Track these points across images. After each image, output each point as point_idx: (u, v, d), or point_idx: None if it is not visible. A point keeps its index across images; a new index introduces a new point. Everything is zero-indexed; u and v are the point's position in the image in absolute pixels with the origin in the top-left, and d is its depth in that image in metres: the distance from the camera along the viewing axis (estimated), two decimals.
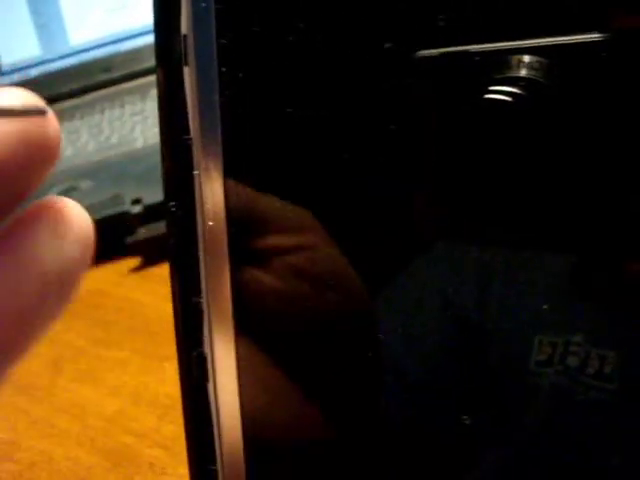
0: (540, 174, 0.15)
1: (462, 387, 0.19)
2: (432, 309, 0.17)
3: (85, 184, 0.57)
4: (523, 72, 0.14)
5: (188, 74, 0.13)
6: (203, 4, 0.13)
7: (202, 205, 0.14)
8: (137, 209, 0.52)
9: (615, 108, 0.14)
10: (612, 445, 0.19)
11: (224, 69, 0.13)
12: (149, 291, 0.50)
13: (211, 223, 0.14)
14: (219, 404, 0.15)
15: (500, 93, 0.14)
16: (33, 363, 0.47)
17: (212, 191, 0.13)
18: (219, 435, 0.15)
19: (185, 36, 0.13)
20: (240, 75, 0.13)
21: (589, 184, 0.15)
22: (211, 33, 0.13)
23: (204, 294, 0.14)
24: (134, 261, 0.53)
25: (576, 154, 0.15)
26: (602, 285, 0.18)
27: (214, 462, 0.16)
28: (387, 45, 0.13)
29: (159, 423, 0.40)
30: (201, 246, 0.14)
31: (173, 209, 0.15)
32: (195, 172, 0.14)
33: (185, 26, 0.13)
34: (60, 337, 0.49)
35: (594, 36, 0.14)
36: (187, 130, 0.14)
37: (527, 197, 0.16)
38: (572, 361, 0.18)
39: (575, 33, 0.14)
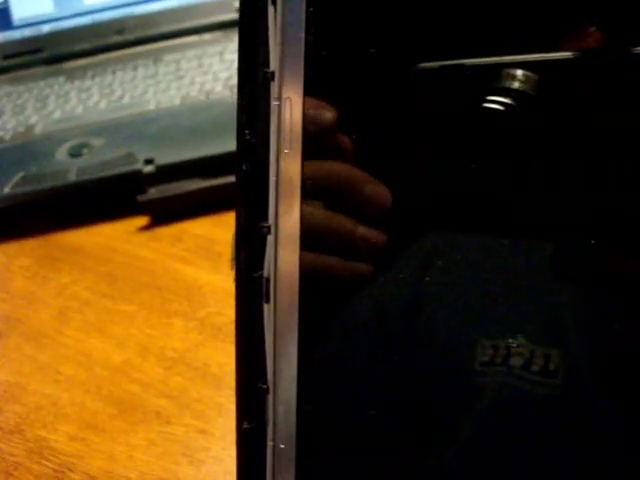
0: (525, 174, 0.17)
1: (408, 389, 0.20)
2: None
3: (97, 141, 0.58)
4: (515, 85, 0.16)
5: (273, 13, 0.14)
6: None
7: (279, 134, 0.15)
8: (149, 169, 0.53)
9: (592, 116, 0.15)
10: (557, 438, 0.20)
11: (311, 9, 0.14)
12: (157, 250, 0.51)
13: (286, 151, 0.15)
14: (277, 324, 0.16)
15: (494, 102, 0.16)
16: (41, 313, 0.48)
17: (291, 120, 0.14)
18: (274, 354, 0.16)
19: None
20: (326, 19, 0.14)
21: (565, 184, 0.17)
22: None
23: (272, 220, 0.15)
24: (142, 220, 0.54)
25: (557, 155, 0.16)
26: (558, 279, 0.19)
27: (264, 381, 0.17)
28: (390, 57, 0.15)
29: (165, 374, 0.41)
30: (273, 172, 0.15)
31: (247, 137, 0.15)
32: (275, 103, 0.14)
33: None
34: (67, 289, 0.50)
35: (573, 54, 0.15)
36: (267, 64, 0.15)
37: (508, 195, 0.17)
38: (516, 361, 0.19)
39: (558, 51, 0.15)
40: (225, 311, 0.45)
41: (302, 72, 0.14)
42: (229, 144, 0.53)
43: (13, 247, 0.55)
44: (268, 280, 0.16)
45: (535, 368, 0.19)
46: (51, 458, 0.38)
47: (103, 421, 0.40)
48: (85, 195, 0.55)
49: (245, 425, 0.18)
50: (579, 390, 0.19)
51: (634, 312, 0.19)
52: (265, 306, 0.16)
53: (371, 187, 0.16)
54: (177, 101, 0.60)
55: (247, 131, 0.16)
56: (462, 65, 0.16)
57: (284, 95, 0.14)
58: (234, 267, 0.44)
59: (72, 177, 0.54)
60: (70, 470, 0.37)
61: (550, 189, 0.17)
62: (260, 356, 0.17)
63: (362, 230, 0.17)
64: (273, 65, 0.15)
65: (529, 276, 0.19)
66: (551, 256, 0.18)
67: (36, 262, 0.53)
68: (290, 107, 0.14)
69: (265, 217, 0.16)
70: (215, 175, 0.53)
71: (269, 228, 0.15)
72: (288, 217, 0.15)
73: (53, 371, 0.44)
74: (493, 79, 0.16)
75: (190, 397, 0.40)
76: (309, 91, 0.14)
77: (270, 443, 0.17)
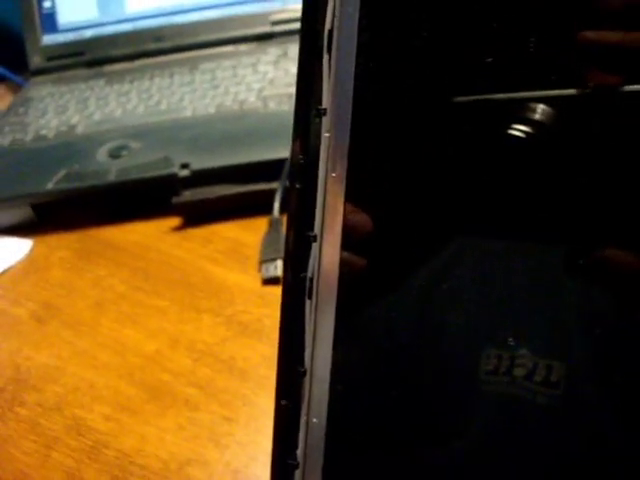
0: (542, 192, 0.20)
1: (416, 393, 0.22)
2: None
3: (135, 144, 0.61)
4: (537, 116, 0.19)
5: (328, 60, 0.18)
6: (350, 9, 0.17)
7: (328, 160, 0.18)
8: (185, 173, 0.56)
9: (599, 147, 0.19)
10: (558, 447, 0.21)
11: (360, 60, 0.17)
12: (189, 249, 0.54)
13: (334, 175, 0.18)
14: (317, 317, 0.19)
15: (519, 131, 0.19)
16: (78, 303, 0.52)
17: (338, 147, 0.18)
18: (312, 342, 0.19)
19: (330, 31, 0.17)
20: (372, 67, 0.17)
21: (574, 202, 0.20)
22: (353, 32, 0.17)
23: (318, 229, 0.18)
24: (176, 221, 0.57)
25: (568, 176, 0.19)
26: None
27: (302, 364, 0.20)
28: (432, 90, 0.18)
29: (194, 365, 0.45)
30: (321, 191, 0.18)
31: (301, 161, 0.19)
32: (325, 134, 0.18)
33: (330, 23, 0.17)
34: (104, 282, 0.53)
35: (583, 91, 0.19)
36: (320, 101, 0.18)
37: (523, 211, 0.20)
38: (519, 371, 0.21)
39: (572, 88, 0.19)
40: (251, 310, 0.48)
41: (350, 111, 0.17)
42: (260, 153, 0.56)
43: (53, 240, 0.59)
44: (312, 279, 0.19)
45: (538, 379, 0.21)
46: (87, 435, 0.42)
47: (135, 404, 0.43)
48: (123, 195, 0.58)
49: (283, 402, 0.21)
50: (580, 402, 0.21)
51: (637, 327, 0.20)
52: (307, 302, 0.20)
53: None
54: (212, 109, 0.64)
55: (300, 156, 0.19)
56: (491, 99, 0.19)
57: (333, 128, 0.18)
58: (262, 269, 0.47)
59: (112, 177, 0.57)
60: (105, 447, 0.41)
61: (561, 206, 0.20)
62: (300, 344, 0.20)
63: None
64: (325, 103, 0.18)
65: (535, 289, 0.21)
66: (558, 269, 0.21)
67: (74, 255, 0.57)
68: (337, 137, 0.18)
69: (312, 227, 0.19)
70: (246, 182, 0.56)
71: (315, 237, 0.19)
72: (331, 229, 0.19)
73: (90, 357, 0.47)
74: (517, 111, 0.19)
75: (217, 387, 0.43)
76: (354, 127, 0.18)
77: (304, 418, 0.21)
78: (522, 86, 0.19)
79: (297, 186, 0.19)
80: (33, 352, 0.48)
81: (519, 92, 0.19)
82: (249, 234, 0.54)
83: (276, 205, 0.53)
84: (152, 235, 0.56)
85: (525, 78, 0.19)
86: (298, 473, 0.22)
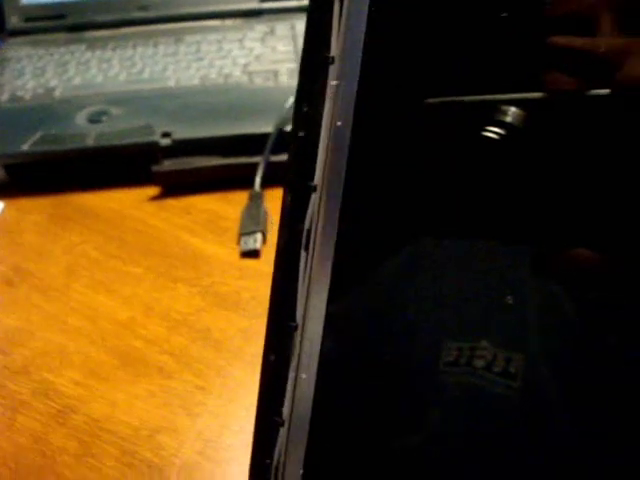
0: (512, 189, 0.20)
1: (381, 379, 0.22)
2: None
3: (116, 110, 0.60)
4: (508, 119, 0.19)
5: (339, 7, 0.17)
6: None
7: (334, 109, 0.17)
8: (166, 141, 0.55)
9: (567, 149, 0.20)
10: (516, 434, 0.22)
11: (373, 9, 0.17)
12: (166, 219, 0.53)
13: (339, 123, 0.18)
14: (312, 271, 0.19)
15: (490, 132, 0.19)
16: (50, 267, 0.50)
17: (344, 99, 0.17)
18: (306, 296, 0.19)
19: None
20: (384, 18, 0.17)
21: (543, 199, 0.20)
22: None
23: (318, 180, 0.18)
24: (154, 190, 0.56)
25: (539, 175, 0.20)
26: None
27: (293, 319, 0.20)
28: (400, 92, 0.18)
29: (169, 334, 0.44)
30: (325, 140, 0.18)
31: (305, 109, 0.18)
32: (332, 83, 0.17)
33: None
34: (77, 248, 0.52)
35: (549, 94, 0.19)
36: (328, 50, 0.18)
37: (496, 208, 0.20)
38: (479, 362, 0.21)
39: (542, 91, 0.19)
40: (229, 281, 0.47)
41: (359, 60, 0.17)
42: (244, 127, 0.56)
43: (26, 204, 0.57)
44: (309, 231, 0.19)
45: (497, 369, 0.21)
46: (55, 399, 0.41)
47: (107, 371, 0.42)
48: (101, 161, 0.57)
49: (271, 357, 0.21)
50: (537, 393, 0.22)
51: (597, 323, 0.21)
52: (303, 254, 0.19)
53: None
54: (196, 81, 0.63)
55: (305, 104, 0.18)
56: (463, 101, 0.20)
57: (341, 78, 0.17)
58: (240, 242, 0.47)
59: (90, 142, 0.56)
60: (73, 412, 0.40)
61: (529, 203, 0.21)
62: (292, 299, 0.20)
63: None
64: (334, 51, 0.17)
65: (496, 285, 0.22)
66: (519, 266, 0.21)
67: (48, 219, 0.55)
68: (344, 89, 0.17)
69: (312, 178, 0.19)
70: (228, 154, 0.55)
71: (315, 187, 0.18)
72: (333, 180, 0.18)
73: (60, 321, 0.46)
74: (488, 114, 0.20)
75: (191, 357, 0.42)
76: (362, 76, 0.17)
77: (293, 374, 0.20)
78: (493, 89, 0.20)
79: (300, 134, 0.18)
80: (1, 315, 0.47)
81: (490, 95, 0.20)
82: (228, 207, 0.53)
83: (257, 179, 0.53)
84: (129, 203, 0.55)
85: (496, 81, 0.20)
86: (283, 431, 0.21)
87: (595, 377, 0.21)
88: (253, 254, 0.49)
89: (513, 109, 0.19)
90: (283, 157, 0.55)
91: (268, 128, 0.55)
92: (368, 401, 0.22)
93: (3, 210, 0.57)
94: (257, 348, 0.42)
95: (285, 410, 0.21)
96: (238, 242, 0.50)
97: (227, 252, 0.49)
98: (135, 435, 0.38)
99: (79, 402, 0.40)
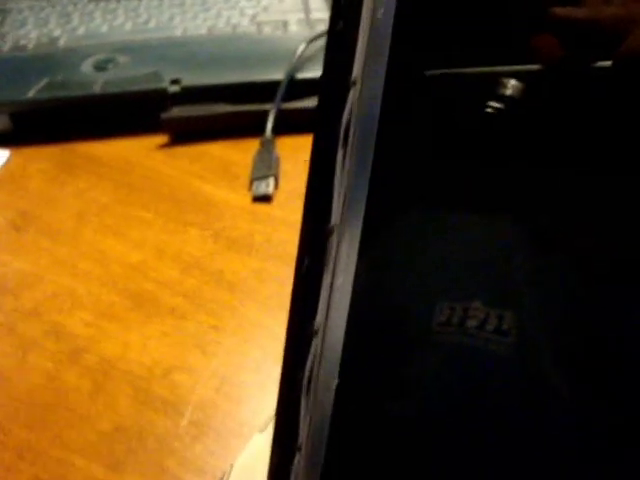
0: (512, 163, 0.20)
1: (375, 339, 0.22)
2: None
3: (123, 58, 0.59)
4: (508, 91, 0.19)
5: None
6: None
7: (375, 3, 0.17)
8: (175, 88, 0.54)
9: (567, 119, 0.19)
10: (509, 392, 0.22)
11: None
12: (176, 166, 0.52)
13: (380, 15, 0.17)
14: (351, 165, 0.18)
15: (489, 107, 0.19)
16: (58, 213, 0.50)
17: None
18: (344, 196, 0.18)
19: None
20: None
21: (545, 171, 0.20)
22: None
23: (357, 74, 0.17)
24: (163, 138, 0.55)
25: (538, 150, 0.20)
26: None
27: (329, 220, 0.19)
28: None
29: (181, 276, 0.43)
30: (363, 34, 0.17)
31: (339, 26, 0.18)
32: None
33: None
34: (85, 194, 0.51)
35: (555, 67, 0.19)
36: None
37: (497, 182, 0.20)
38: (471, 322, 0.21)
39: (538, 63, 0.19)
40: (241, 225, 0.46)
41: None
42: (254, 74, 0.54)
43: (32, 152, 0.56)
44: (348, 127, 0.18)
45: (489, 327, 0.21)
46: (67, 340, 0.40)
47: (118, 312, 0.42)
48: (108, 108, 0.56)
49: (305, 262, 0.20)
50: (530, 348, 0.21)
51: (586, 277, 0.21)
52: (339, 153, 0.19)
53: None
54: (203, 31, 0.62)
55: (340, 22, 0.18)
56: (463, 73, 0.19)
57: None
58: (252, 187, 0.46)
59: (97, 89, 0.55)
60: (85, 352, 0.39)
61: (527, 175, 0.20)
62: (327, 200, 0.19)
63: None
64: None
65: (488, 246, 0.22)
66: (511, 233, 0.21)
67: (55, 167, 0.54)
68: None
69: (350, 72, 0.18)
70: (238, 102, 0.54)
71: (354, 82, 0.18)
72: (374, 73, 0.17)
73: (70, 265, 0.45)
74: (488, 86, 0.19)
75: (204, 298, 0.42)
76: None
77: (328, 279, 0.20)
78: (494, 61, 0.19)
79: (337, 28, 0.18)
80: (10, 258, 0.46)
81: (490, 67, 0.20)
82: (239, 154, 0.52)
83: (269, 125, 0.52)
84: (137, 151, 0.54)
85: (497, 53, 0.19)
86: (316, 341, 0.21)
87: (588, 330, 0.21)
88: (265, 199, 0.48)
89: (513, 82, 0.19)
90: (294, 105, 0.54)
91: (279, 75, 0.54)
92: (361, 363, 0.22)
93: (9, 158, 0.56)
94: (270, 289, 0.42)
95: (318, 319, 0.21)
96: (250, 187, 0.49)
97: (239, 197, 0.49)
98: (149, 373, 0.38)
99: (91, 342, 0.40)
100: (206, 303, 0.41)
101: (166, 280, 0.43)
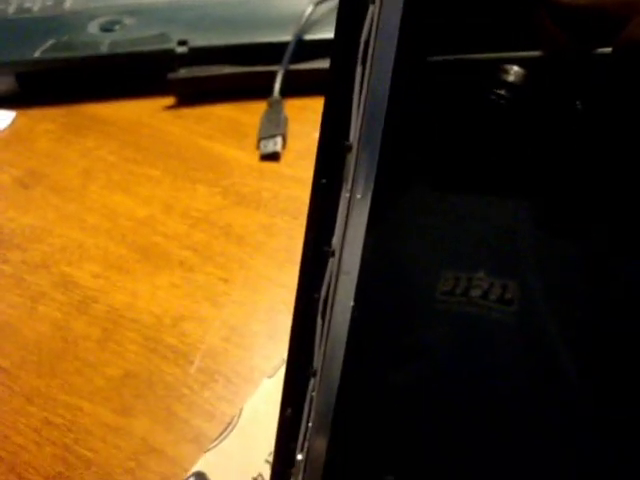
0: (515, 146, 0.20)
1: (380, 306, 0.22)
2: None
3: (130, 20, 0.58)
4: (510, 78, 0.20)
5: None
6: None
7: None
8: (182, 49, 0.54)
9: (567, 105, 0.20)
10: (512, 360, 0.22)
11: None
12: (183, 126, 0.52)
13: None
14: (370, 82, 0.18)
15: (492, 94, 0.20)
16: (66, 171, 0.49)
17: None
18: (362, 113, 0.18)
19: None
20: None
21: (544, 153, 0.20)
22: None
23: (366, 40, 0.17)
24: (169, 100, 0.55)
25: (538, 134, 0.20)
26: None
27: (347, 138, 0.19)
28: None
29: (189, 230, 0.43)
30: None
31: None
32: None
33: None
34: (92, 153, 0.51)
35: (557, 53, 0.19)
36: None
37: (500, 162, 0.20)
38: (475, 292, 0.21)
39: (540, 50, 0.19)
40: (249, 182, 0.46)
41: None
42: (261, 35, 0.54)
43: (38, 113, 0.56)
44: (367, 43, 0.18)
45: (493, 297, 0.21)
46: (75, 290, 0.40)
47: (127, 264, 0.41)
48: (115, 69, 0.56)
49: (322, 180, 0.20)
50: (532, 317, 0.21)
51: (587, 247, 0.21)
52: (358, 70, 0.18)
53: None
54: None
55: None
56: (463, 59, 0.20)
57: None
58: (260, 145, 0.46)
59: (104, 49, 0.54)
60: (94, 302, 0.39)
61: (530, 160, 0.21)
62: (346, 118, 0.19)
63: None
64: None
65: (493, 220, 0.22)
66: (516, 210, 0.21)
67: (61, 127, 0.54)
68: None
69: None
70: (245, 63, 0.54)
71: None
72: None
73: (78, 220, 0.45)
74: (491, 72, 0.20)
75: (213, 251, 0.42)
76: None
77: (347, 195, 0.19)
78: (495, 47, 0.20)
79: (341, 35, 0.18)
80: (17, 214, 0.46)
81: (492, 53, 0.20)
82: (247, 115, 0.52)
83: (277, 85, 0.52)
84: (144, 112, 0.54)
85: (498, 39, 0.20)
86: (333, 262, 0.21)
87: (591, 299, 0.22)
88: (273, 157, 0.48)
89: (515, 68, 0.19)
90: (302, 66, 0.53)
91: (287, 37, 0.54)
92: (366, 329, 0.22)
93: (15, 119, 0.55)
94: (279, 243, 0.42)
95: (335, 239, 0.21)
96: (258, 146, 0.49)
97: (247, 156, 0.48)
98: (158, 323, 0.38)
99: (100, 293, 0.40)
100: (215, 256, 0.41)
101: (175, 234, 0.43)
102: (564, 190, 0.21)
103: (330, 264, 0.21)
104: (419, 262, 0.22)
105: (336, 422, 0.22)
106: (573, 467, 0.22)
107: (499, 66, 0.19)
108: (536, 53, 0.19)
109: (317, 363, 0.22)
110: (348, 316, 0.21)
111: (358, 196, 0.19)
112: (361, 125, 0.19)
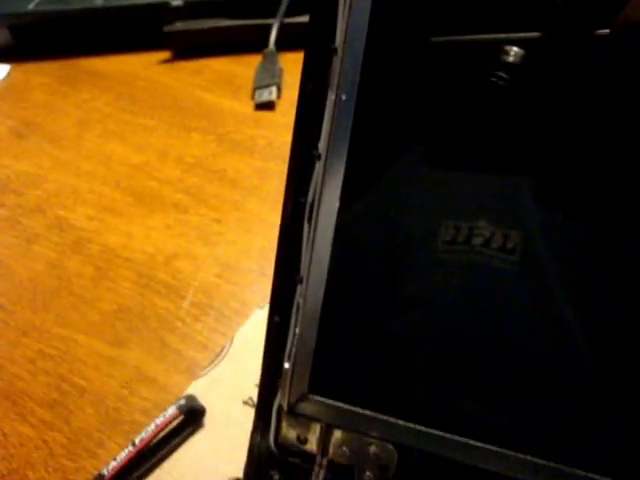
0: (514, 124, 0.21)
1: (380, 260, 0.22)
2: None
3: None
4: (510, 58, 0.20)
5: None
6: None
7: None
8: (177, 2, 0.54)
9: (565, 85, 0.20)
10: (514, 308, 0.22)
11: None
12: (178, 78, 0.52)
13: None
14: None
15: (491, 74, 0.20)
16: (61, 121, 0.50)
17: None
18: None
19: None
20: None
21: (545, 130, 0.21)
22: None
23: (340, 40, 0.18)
24: (164, 54, 0.55)
25: (536, 113, 0.21)
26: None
27: (333, 41, 0.19)
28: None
29: (183, 175, 0.43)
30: None
31: None
32: None
33: None
34: (88, 104, 0.51)
35: (556, 34, 0.20)
36: None
37: (500, 140, 0.21)
38: (477, 240, 0.21)
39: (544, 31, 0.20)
40: (244, 130, 0.47)
41: None
42: None
43: (33, 66, 0.56)
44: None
45: (494, 245, 0.21)
46: (70, 232, 0.41)
47: (121, 207, 0.42)
48: (109, 22, 0.56)
49: (309, 86, 0.20)
50: (535, 265, 0.22)
51: (587, 200, 0.21)
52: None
53: None
54: None
55: None
56: (462, 40, 0.20)
57: None
58: (255, 95, 0.46)
59: (99, 2, 0.54)
60: (88, 242, 0.40)
61: (528, 134, 0.21)
62: (331, 25, 0.19)
63: None
64: None
65: (493, 168, 0.22)
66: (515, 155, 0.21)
67: (56, 80, 0.54)
68: None
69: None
70: (240, 16, 0.54)
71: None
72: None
73: (73, 166, 0.45)
74: (491, 53, 0.20)
75: (207, 194, 0.42)
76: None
77: (332, 97, 0.20)
78: (496, 28, 0.20)
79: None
80: (12, 162, 0.46)
81: (493, 34, 0.20)
82: (242, 68, 0.52)
83: (272, 37, 0.52)
84: (139, 65, 0.54)
85: (499, 21, 0.20)
86: (319, 165, 0.21)
87: (592, 249, 0.22)
88: (268, 106, 0.48)
89: (515, 49, 0.20)
90: (297, 19, 0.53)
91: None
92: (368, 279, 0.22)
93: (9, 72, 0.56)
94: (272, 186, 0.42)
95: (322, 144, 0.21)
96: (252, 97, 0.49)
97: (242, 105, 0.49)
98: (152, 261, 0.38)
99: (94, 234, 0.40)
100: (209, 199, 0.41)
101: (169, 179, 0.43)
102: (563, 168, 0.21)
103: (317, 167, 0.21)
104: (418, 212, 0.23)
105: (323, 328, 0.22)
106: (574, 415, 0.22)
107: (499, 47, 0.20)
108: (535, 34, 0.20)
109: (304, 270, 0.22)
110: (334, 219, 0.21)
111: (343, 97, 0.20)
112: (346, 27, 0.19)
